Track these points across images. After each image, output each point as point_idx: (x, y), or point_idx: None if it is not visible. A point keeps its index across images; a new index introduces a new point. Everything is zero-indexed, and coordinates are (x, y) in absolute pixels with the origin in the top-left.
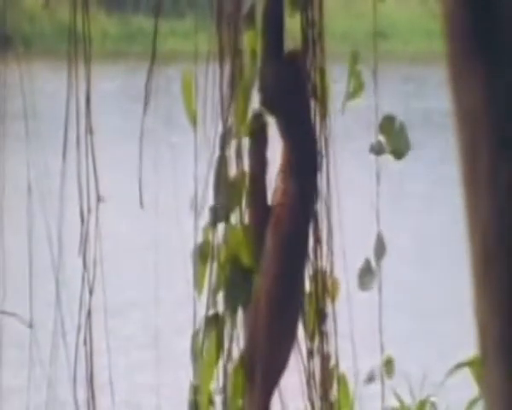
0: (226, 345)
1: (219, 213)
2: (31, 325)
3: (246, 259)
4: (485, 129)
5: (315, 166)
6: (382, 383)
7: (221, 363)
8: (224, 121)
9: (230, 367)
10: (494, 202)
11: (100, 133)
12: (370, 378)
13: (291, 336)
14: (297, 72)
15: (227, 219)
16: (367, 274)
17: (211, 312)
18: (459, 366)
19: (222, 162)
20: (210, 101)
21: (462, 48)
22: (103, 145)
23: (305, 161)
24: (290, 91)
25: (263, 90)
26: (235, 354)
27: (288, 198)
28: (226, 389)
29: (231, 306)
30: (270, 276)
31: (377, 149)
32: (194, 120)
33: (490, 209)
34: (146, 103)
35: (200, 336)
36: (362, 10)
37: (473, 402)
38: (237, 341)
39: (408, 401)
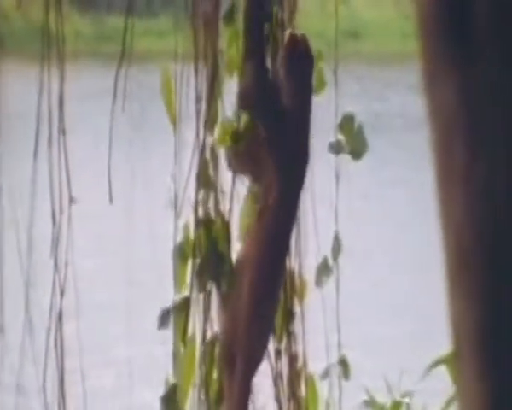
0: (200, 330)
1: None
2: (1, 329)
3: (223, 249)
4: (459, 129)
5: (302, 164)
6: (339, 382)
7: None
8: (199, 121)
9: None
10: (469, 201)
11: (71, 133)
12: (324, 376)
13: (271, 322)
14: (276, 72)
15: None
16: (324, 271)
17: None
18: (436, 363)
19: (202, 162)
20: (185, 101)
21: (436, 47)
22: (76, 145)
23: (291, 160)
24: (270, 93)
25: (241, 93)
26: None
27: (273, 190)
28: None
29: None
30: (253, 264)
31: (336, 149)
32: (174, 119)
33: (464, 209)
34: (114, 103)
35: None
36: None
37: (450, 401)
38: (210, 326)
39: (385, 400)
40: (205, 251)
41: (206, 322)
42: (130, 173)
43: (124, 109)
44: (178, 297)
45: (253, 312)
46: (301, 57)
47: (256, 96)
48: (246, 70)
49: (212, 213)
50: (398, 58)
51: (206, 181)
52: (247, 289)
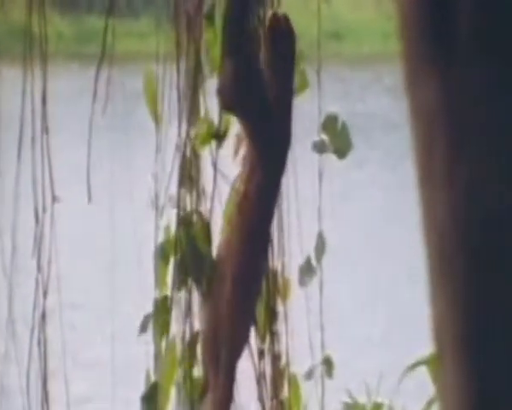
0: (181, 328)
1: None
2: None
3: (203, 248)
4: (440, 129)
5: (284, 149)
6: (322, 381)
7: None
8: (182, 121)
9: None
10: (450, 201)
11: (55, 133)
12: (309, 376)
13: (253, 310)
14: (257, 70)
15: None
16: (307, 272)
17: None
18: (416, 364)
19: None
20: (168, 101)
21: (418, 48)
22: (58, 146)
23: (274, 145)
24: (249, 91)
25: (220, 92)
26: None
27: (254, 179)
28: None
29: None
30: (235, 254)
31: (320, 148)
32: (156, 119)
33: (446, 209)
34: (93, 103)
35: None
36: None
37: (430, 402)
38: (191, 324)
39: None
40: (184, 250)
41: (187, 321)
42: (112, 174)
43: (105, 110)
44: (159, 297)
45: (236, 300)
46: (283, 36)
47: (235, 95)
48: (224, 68)
49: (193, 212)
50: (380, 59)
51: (187, 180)
52: (230, 277)
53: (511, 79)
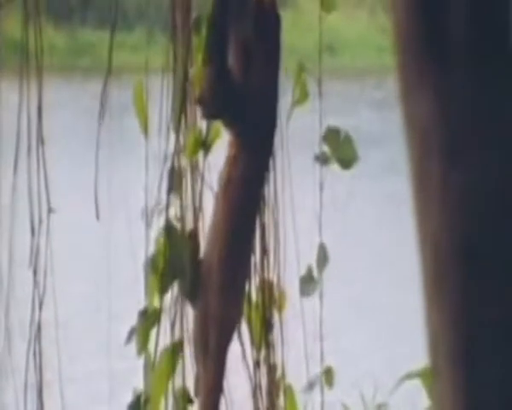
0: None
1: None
2: None
3: (186, 258)
4: (435, 142)
5: (268, 136)
6: (322, 393)
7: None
8: (170, 132)
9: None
10: (445, 214)
11: (50, 145)
12: (310, 386)
13: (242, 292)
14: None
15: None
16: (308, 282)
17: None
18: (409, 376)
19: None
20: (158, 112)
21: (413, 60)
22: (54, 158)
23: (256, 133)
24: (230, 99)
25: (200, 101)
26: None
27: (238, 164)
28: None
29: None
30: (221, 237)
31: (322, 159)
32: (145, 130)
33: (441, 221)
34: (101, 116)
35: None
36: (311, 24)
37: None
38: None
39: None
40: (168, 259)
41: (173, 330)
42: (105, 185)
43: (100, 122)
44: (145, 308)
45: (224, 282)
46: (268, 18)
47: (215, 103)
48: (205, 77)
49: (178, 221)
50: (373, 73)
51: (173, 190)
52: (217, 260)
53: (503, 91)
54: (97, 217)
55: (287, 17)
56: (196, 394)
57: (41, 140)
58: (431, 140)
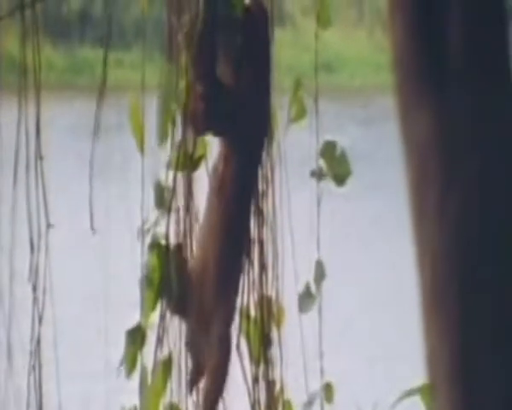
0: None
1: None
2: None
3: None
4: (433, 161)
5: (259, 138)
6: (322, 408)
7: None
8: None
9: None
10: (443, 233)
11: (48, 162)
12: (310, 403)
13: (237, 288)
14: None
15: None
16: (307, 298)
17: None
18: (409, 393)
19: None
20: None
21: (411, 80)
22: (52, 174)
23: (247, 135)
24: (220, 115)
25: (192, 118)
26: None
27: (230, 165)
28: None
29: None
30: (216, 234)
31: (318, 174)
32: (141, 147)
33: (439, 241)
34: (95, 133)
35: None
36: (308, 43)
37: None
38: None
39: None
40: (158, 276)
41: (162, 345)
42: (104, 202)
43: (99, 140)
44: (136, 324)
45: (219, 279)
46: (254, 13)
47: (206, 119)
48: (195, 94)
49: (165, 237)
50: (369, 91)
51: (161, 206)
52: (213, 258)
53: (502, 113)
54: (92, 228)
55: (285, 36)
56: (191, 387)
57: (39, 156)
58: (429, 163)
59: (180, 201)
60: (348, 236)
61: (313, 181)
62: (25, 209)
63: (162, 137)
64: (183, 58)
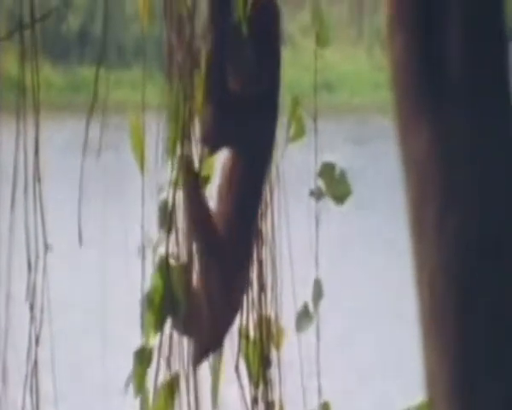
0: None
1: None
2: None
3: (179, 293)
4: (432, 178)
5: (267, 141)
6: None
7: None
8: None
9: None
10: (442, 250)
11: (46, 181)
12: None
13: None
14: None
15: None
16: (304, 318)
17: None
18: None
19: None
20: (155, 148)
21: (409, 99)
22: (49, 194)
23: (254, 140)
24: (231, 135)
25: (204, 139)
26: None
27: (237, 171)
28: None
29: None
30: (228, 220)
31: (316, 194)
32: (142, 165)
33: (437, 259)
34: (84, 153)
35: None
36: (308, 62)
37: None
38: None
39: None
40: (161, 295)
41: (169, 368)
42: (105, 221)
43: (98, 160)
44: (141, 347)
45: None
46: (264, 8)
47: (217, 139)
48: (205, 115)
49: (170, 256)
50: (369, 110)
51: (166, 224)
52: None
53: (500, 130)
54: (80, 243)
55: (284, 55)
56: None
57: (38, 177)
58: (428, 181)
59: (184, 220)
60: (344, 253)
61: (306, 196)
62: (22, 229)
63: (170, 154)
64: (189, 78)
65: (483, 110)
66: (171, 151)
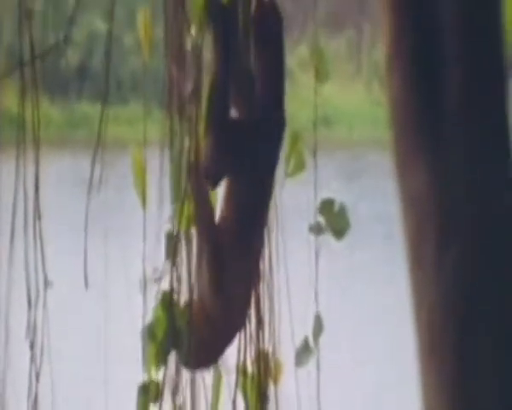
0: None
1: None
2: None
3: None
4: (430, 216)
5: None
6: None
7: None
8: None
9: None
10: (440, 286)
11: (46, 217)
12: None
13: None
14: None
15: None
16: (304, 352)
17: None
18: None
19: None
20: (156, 183)
21: (408, 134)
22: (49, 230)
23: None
24: (232, 165)
25: (206, 174)
26: None
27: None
28: None
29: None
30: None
31: (316, 230)
32: (144, 200)
33: (436, 293)
34: (90, 188)
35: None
36: (307, 97)
37: None
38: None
39: None
40: (164, 330)
41: (175, 398)
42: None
43: (97, 196)
44: (144, 382)
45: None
46: (269, 18)
47: (219, 173)
48: (206, 148)
49: (174, 292)
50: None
51: (170, 260)
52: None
53: (499, 169)
54: (86, 286)
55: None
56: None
57: (38, 214)
58: (425, 219)
59: (188, 254)
60: (337, 288)
61: (305, 229)
62: (22, 265)
63: (176, 196)
64: (191, 113)
65: (482, 149)
66: (175, 187)
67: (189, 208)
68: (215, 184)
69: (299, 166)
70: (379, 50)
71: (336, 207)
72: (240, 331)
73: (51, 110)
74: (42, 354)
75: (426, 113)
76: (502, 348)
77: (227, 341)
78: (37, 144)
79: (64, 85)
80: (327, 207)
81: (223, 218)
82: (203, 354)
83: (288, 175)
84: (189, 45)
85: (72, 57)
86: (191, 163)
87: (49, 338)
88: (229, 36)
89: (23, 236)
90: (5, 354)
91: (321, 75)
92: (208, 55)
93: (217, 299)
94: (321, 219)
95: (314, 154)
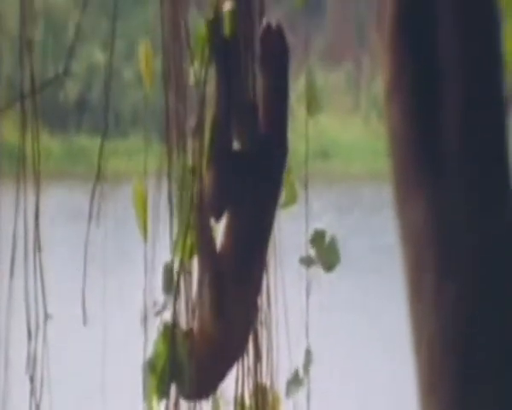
0: None
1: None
2: None
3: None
4: (430, 249)
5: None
6: None
7: None
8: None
9: None
10: (439, 318)
11: (46, 250)
12: None
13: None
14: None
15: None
16: (294, 383)
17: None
18: None
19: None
20: (156, 215)
21: (408, 168)
22: (49, 263)
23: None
24: (236, 195)
25: (210, 209)
26: None
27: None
28: None
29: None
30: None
31: (307, 262)
32: (145, 232)
33: (435, 325)
34: (90, 221)
35: None
36: (304, 130)
37: None
38: None
39: None
40: (165, 363)
41: None
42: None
43: (97, 230)
44: None
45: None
46: (276, 47)
47: (221, 209)
48: (209, 182)
49: (175, 325)
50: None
51: (171, 293)
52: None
53: (499, 202)
54: (84, 320)
55: None
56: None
57: (38, 246)
58: (425, 251)
59: (188, 285)
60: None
61: (295, 261)
62: (21, 298)
63: (179, 228)
64: (194, 146)
65: (481, 182)
66: (179, 218)
67: (191, 239)
68: (219, 215)
69: (291, 199)
70: (378, 84)
71: (327, 240)
72: (240, 358)
73: (50, 143)
74: (42, 387)
75: (425, 145)
76: (503, 379)
77: (227, 367)
78: (37, 177)
79: (63, 118)
80: (318, 239)
81: (223, 246)
82: (203, 381)
83: (280, 207)
84: (191, 79)
85: (72, 90)
86: (195, 195)
87: (49, 371)
88: (232, 69)
89: (23, 268)
90: (5, 386)
91: (312, 108)
92: (210, 87)
93: (217, 323)
94: (312, 252)
95: (305, 186)
